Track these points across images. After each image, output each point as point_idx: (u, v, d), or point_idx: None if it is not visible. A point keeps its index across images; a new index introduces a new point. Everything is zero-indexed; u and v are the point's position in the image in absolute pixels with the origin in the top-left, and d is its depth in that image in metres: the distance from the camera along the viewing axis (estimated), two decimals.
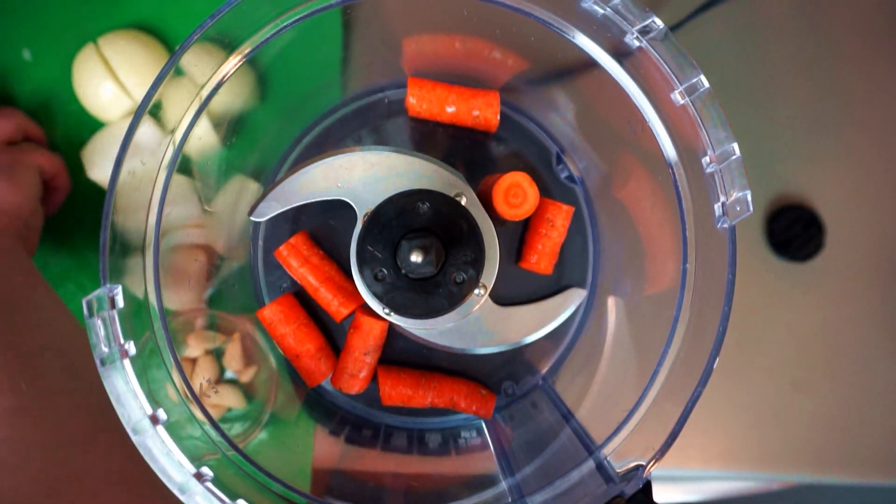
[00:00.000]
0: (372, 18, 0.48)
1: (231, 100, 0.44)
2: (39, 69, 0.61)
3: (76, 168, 0.60)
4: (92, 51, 0.58)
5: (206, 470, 0.35)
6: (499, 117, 0.49)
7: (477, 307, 0.43)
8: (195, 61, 0.38)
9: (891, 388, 0.64)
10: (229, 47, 0.38)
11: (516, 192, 0.45)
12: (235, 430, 0.49)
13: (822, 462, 0.64)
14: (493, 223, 0.44)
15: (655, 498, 0.36)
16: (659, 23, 0.37)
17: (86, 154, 0.60)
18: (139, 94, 0.58)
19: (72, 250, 0.60)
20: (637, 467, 0.36)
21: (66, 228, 0.61)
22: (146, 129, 0.37)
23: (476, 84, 0.53)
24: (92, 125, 0.60)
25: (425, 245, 0.37)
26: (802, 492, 0.65)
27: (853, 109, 0.65)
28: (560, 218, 0.48)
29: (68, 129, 0.61)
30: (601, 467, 0.38)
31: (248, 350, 0.53)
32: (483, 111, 0.48)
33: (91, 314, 0.35)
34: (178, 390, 0.38)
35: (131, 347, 0.35)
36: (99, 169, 0.60)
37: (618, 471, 0.37)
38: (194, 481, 0.34)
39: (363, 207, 0.42)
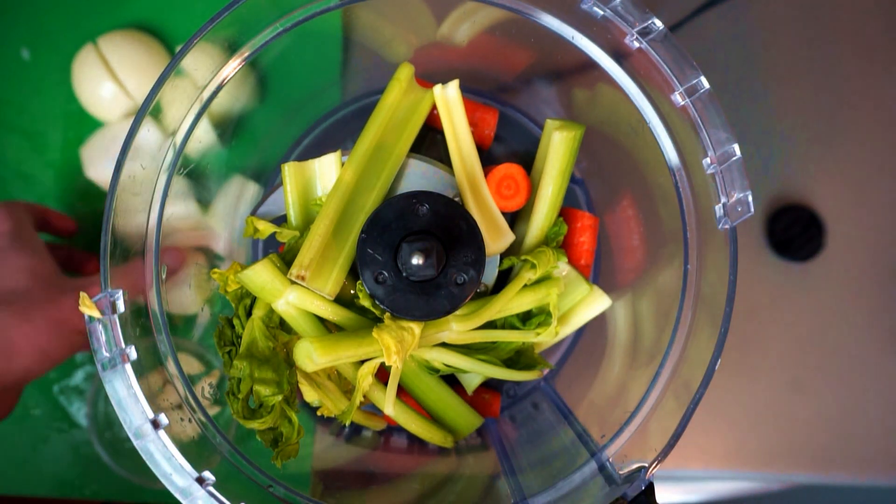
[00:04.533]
0: (372, 20, 0.48)
1: (232, 101, 0.44)
2: (38, 69, 0.61)
3: (75, 167, 0.60)
4: (91, 51, 0.58)
5: (207, 474, 0.35)
6: (493, 136, 0.49)
7: None
8: (196, 63, 0.37)
9: (891, 388, 0.65)
10: (230, 49, 0.38)
11: (509, 184, 0.45)
12: (236, 430, 0.49)
13: (823, 462, 0.64)
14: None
15: (656, 498, 0.36)
16: (659, 24, 0.37)
17: (85, 152, 0.60)
18: (138, 94, 0.58)
19: None
20: (640, 469, 0.36)
21: None
22: (147, 131, 0.37)
23: (476, 84, 0.53)
24: (91, 125, 0.60)
25: (426, 248, 0.37)
26: (803, 492, 0.65)
27: (853, 109, 0.65)
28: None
29: (67, 128, 0.61)
30: (603, 469, 0.38)
31: None
32: (479, 127, 0.49)
33: (91, 319, 0.35)
34: (179, 393, 0.38)
35: (132, 352, 0.35)
36: (98, 168, 0.60)
37: (620, 472, 0.37)
38: (196, 485, 0.34)
39: None
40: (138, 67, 0.58)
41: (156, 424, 0.34)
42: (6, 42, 0.61)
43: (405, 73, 0.44)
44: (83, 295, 0.34)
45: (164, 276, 0.39)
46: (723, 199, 0.36)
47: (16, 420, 0.60)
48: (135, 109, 0.59)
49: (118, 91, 0.57)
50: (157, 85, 0.36)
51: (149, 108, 0.36)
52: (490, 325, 0.44)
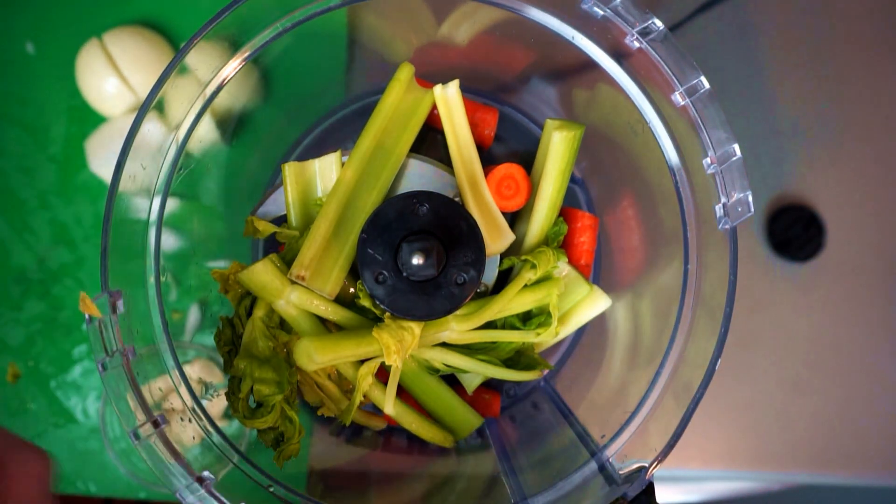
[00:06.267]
0: (372, 20, 0.48)
1: (234, 99, 0.44)
2: (42, 63, 0.61)
3: (78, 161, 0.60)
4: (96, 46, 0.58)
5: (207, 474, 0.35)
6: (493, 136, 0.49)
7: None
8: (199, 60, 0.37)
9: (891, 388, 0.65)
10: (234, 46, 0.38)
11: (509, 184, 0.45)
12: (235, 430, 0.49)
13: (823, 462, 0.64)
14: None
15: (656, 498, 0.36)
16: (659, 24, 0.37)
17: (89, 145, 0.60)
18: (142, 90, 0.58)
19: (70, 245, 0.60)
20: (640, 469, 0.36)
21: (65, 222, 0.60)
22: (149, 128, 0.37)
23: (476, 84, 0.53)
24: (94, 120, 0.60)
25: (426, 247, 0.37)
26: (803, 492, 0.65)
27: (853, 109, 0.65)
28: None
29: (70, 123, 0.61)
30: (604, 469, 0.38)
31: None
32: (479, 127, 0.49)
33: (92, 319, 0.35)
34: (178, 393, 0.38)
35: (132, 352, 0.35)
36: (100, 162, 0.60)
37: (620, 472, 0.37)
38: (196, 485, 0.34)
39: None
40: (142, 63, 0.58)
41: (156, 424, 0.34)
42: (11, 36, 0.61)
43: (405, 73, 0.44)
44: (83, 295, 0.34)
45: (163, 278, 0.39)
46: (723, 199, 0.37)
47: (13, 415, 0.60)
48: (138, 105, 0.59)
49: (122, 86, 0.58)
50: (160, 82, 0.36)
51: (151, 105, 0.36)
52: (490, 325, 0.44)
